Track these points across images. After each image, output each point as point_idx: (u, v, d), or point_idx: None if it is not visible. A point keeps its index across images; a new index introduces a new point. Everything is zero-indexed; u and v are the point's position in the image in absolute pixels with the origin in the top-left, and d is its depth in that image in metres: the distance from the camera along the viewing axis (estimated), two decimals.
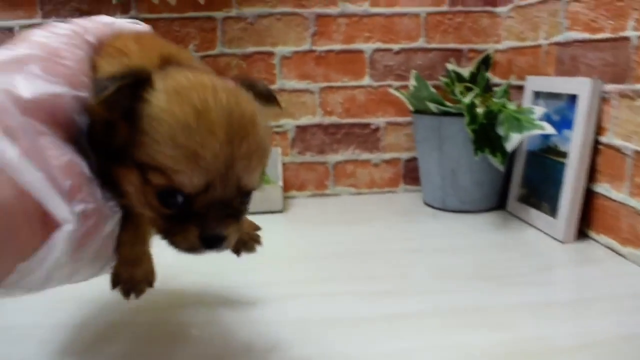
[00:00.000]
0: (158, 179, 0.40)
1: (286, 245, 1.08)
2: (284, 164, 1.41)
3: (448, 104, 1.18)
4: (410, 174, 1.46)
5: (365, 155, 1.44)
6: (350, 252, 1.03)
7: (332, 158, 1.43)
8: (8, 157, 0.33)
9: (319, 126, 1.41)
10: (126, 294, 0.50)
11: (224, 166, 0.41)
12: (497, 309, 0.77)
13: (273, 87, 1.39)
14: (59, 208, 0.35)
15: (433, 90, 1.17)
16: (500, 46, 1.40)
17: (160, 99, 0.40)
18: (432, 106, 1.19)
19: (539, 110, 1.08)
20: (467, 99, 1.11)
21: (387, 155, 1.44)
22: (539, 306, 0.77)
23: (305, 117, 1.41)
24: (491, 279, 0.88)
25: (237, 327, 0.72)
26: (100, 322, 0.74)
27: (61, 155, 0.37)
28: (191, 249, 0.43)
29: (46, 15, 1.33)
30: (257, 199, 1.25)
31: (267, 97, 0.49)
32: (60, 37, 0.42)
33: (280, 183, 1.29)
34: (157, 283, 0.54)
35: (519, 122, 1.09)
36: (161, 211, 0.42)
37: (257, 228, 0.66)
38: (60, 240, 0.35)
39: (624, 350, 0.64)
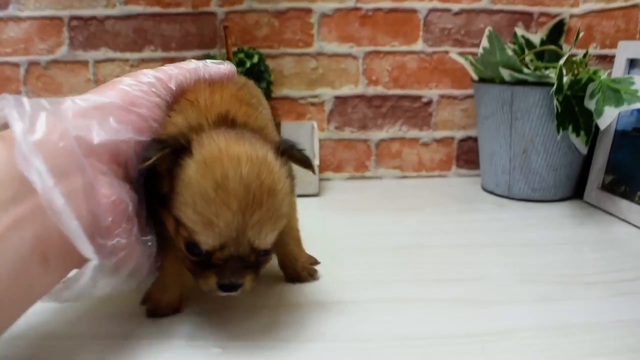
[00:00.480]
0: (184, 232, 0.49)
1: (324, 237, 0.89)
2: (319, 141, 1.22)
3: (526, 70, 0.98)
4: (465, 155, 1.26)
5: (414, 133, 1.25)
6: (405, 247, 0.84)
7: (375, 135, 1.24)
8: (55, 206, 0.40)
9: (361, 97, 1.22)
10: (149, 314, 0.60)
11: (235, 232, 0.47)
12: (615, 325, 0.58)
13: (309, 50, 1.20)
14: (86, 249, 0.43)
15: (510, 53, 0.98)
16: (576, 10, 1.19)
17: (191, 168, 0.48)
18: (505, 73, 1.00)
19: None
20: (561, 61, 0.91)
21: (439, 134, 1.25)
22: None
23: (346, 87, 1.22)
24: (596, 285, 0.69)
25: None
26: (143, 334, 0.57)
27: (111, 194, 0.46)
28: (210, 291, 0.51)
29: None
30: None
31: (304, 163, 0.55)
32: (143, 85, 0.51)
33: (317, 162, 1.11)
34: None
35: (616, 94, 0.89)
36: (188, 257, 0.50)
37: (315, 262, 0.75)
38: (88, 270, 0.44)
39: None
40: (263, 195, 0.48)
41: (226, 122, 0.53)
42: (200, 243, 0.48)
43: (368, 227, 0.94)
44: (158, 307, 0.60)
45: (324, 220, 0.99)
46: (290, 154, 0.53)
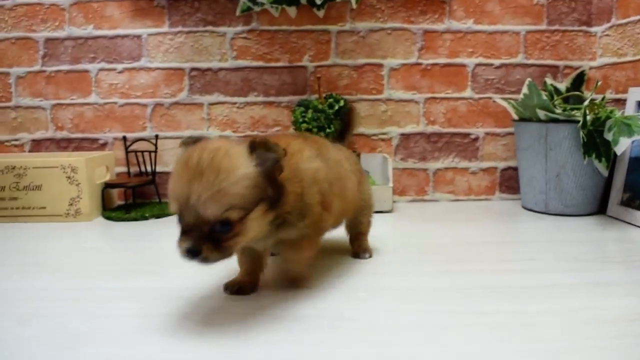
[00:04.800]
0: None
1: (398, 240, 1.23)
2: None
3: (558, 110, 1.34)
4: (506, 182, 1.61)
5: (464, 164, 1.60)
6: (462, 244, 1.17)
7: (433, 165, 1.59)
8: None
9: (421, 134, 1.58)
10: (225, 289, 0.86)
11: (184, 199, 0.65)
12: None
13: (380, 97, 1.57)
14: None
15: (545, 97, 1.34)
16: (594, 63, 1.56)
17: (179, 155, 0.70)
18: (541, 113, 1.35)
19: None
20: (585, 103, 1.27)
21: (485, 164, 1.60)
22: None
23: (410, 126, 1.58)
24: (617, 265, 1.02)
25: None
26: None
27: None
28: (182, 257, 0.67)
29: (173, 25, 1.54)
30: None
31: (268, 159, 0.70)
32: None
33: (391, 184, 1.45)
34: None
35: (629, 127, 1.24)
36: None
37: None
38: None
39: None
40: (207, 171, 0.64)
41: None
42: (170, 209, 0.67)
43: (431, 233, 1.27)
44: (240, 287, 0.84)
45: (397, 229, 1.32)
46: (257, 150, 0.69)
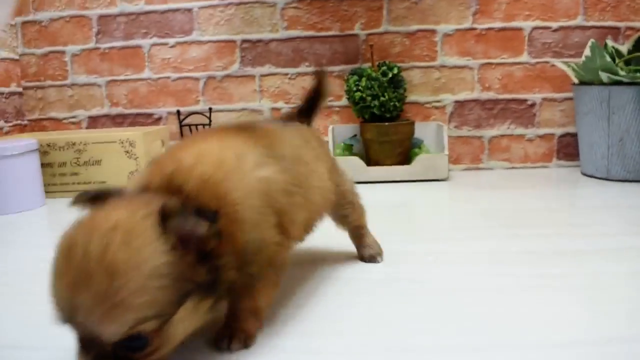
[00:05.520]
0: None
1: (454, 206, 1.22)
2: None
3: (622, 72, 1.30)
4: (564, 149, 1.58)
5: (520, 130, 1.57)
6: (520, 211, 1.16)
7: (488, 132, 1.57)
8: None
9: (476, 101, 1.56)
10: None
11: (68, 310, 0.44)
12: None
13: (434, 64, 1.55)
14: None
15: (609, 59, 1.30)
16: None
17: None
18: (604, 76, 1.32)
19: None
20: None
21: (542, 131, 1.57)
22: None
23: (464, 93, 1.56)
24: None
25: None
26: None
27: None
28: None
29: None
30: (423, 167, 1.43)
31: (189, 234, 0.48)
32: None
33: (446, 152, 1.44)
34: None
35: None
36: None
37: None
38: None
39: None
40: (96, 272, 0.42)
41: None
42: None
43: (489, 200, 1.26)
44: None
45: (454, 196, 1.32)
46: (177, 217, 0.46)
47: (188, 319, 0.48)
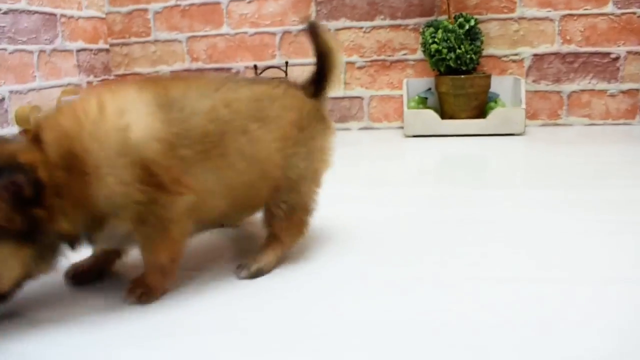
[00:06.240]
0: None
1: (529, 160, 1.21)
2: None
3: None
4: None
5: (602, 85, 1.52)
6: (599, 170, 1.14)
7: (568, 87, 1.54)
8: None
9: (556, 55, 1.52)
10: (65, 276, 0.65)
11: None
12: None
13: (512, 15, 1.52)
14: None
15: None
16: None
17: None
18: None
19: None
20: None
21: (626, 86, 1.52)
22: None
23: (544, 46, 1.52)
24: None
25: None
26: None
27: None
28: None
29: None
30: (499, 121, 1.40)
31: None
32: None
33: (523, 106, 1.42)
34: None
35: None
36: None
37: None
38: None
39: None
40: None
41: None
42: None
43: (564, 154, 1.24)
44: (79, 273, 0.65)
45: (530, 152, 1.30)
46: None
47: (2, 263, 0.51)
